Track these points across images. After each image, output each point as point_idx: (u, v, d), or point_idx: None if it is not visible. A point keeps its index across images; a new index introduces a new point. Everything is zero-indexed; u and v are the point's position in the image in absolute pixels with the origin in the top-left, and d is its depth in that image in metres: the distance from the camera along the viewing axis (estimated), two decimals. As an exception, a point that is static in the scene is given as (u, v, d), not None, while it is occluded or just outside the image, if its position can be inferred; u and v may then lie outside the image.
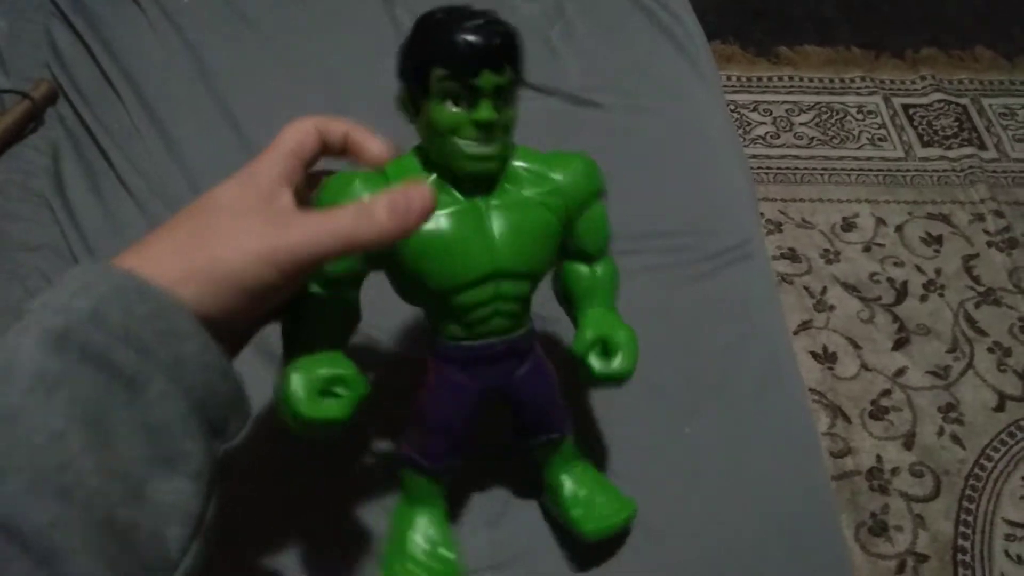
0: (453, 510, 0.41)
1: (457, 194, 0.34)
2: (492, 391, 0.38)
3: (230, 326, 0.28)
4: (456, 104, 0.32)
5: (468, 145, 0.33)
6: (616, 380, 0.38)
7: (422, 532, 0.38)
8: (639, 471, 0.44)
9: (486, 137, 0.33)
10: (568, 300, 0.40)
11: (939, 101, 1.28)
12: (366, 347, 0.48)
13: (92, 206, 0.54)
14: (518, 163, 0.36)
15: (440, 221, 0.34)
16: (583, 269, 0.39)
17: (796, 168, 1.18)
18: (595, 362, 0.38)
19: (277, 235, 0.28)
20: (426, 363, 0.38)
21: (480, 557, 0.41)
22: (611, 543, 0.41)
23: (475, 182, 0.34)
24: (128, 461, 0.24)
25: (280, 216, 0.29)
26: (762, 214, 1.11)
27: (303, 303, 0.34)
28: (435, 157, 0.34)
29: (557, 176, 0.36)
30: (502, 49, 0.32)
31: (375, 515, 0.42)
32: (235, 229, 0.28)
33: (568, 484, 0.40)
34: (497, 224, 0.34)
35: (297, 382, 0.31)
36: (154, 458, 0.25)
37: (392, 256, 0.34)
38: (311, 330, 0.33)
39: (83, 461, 0.23)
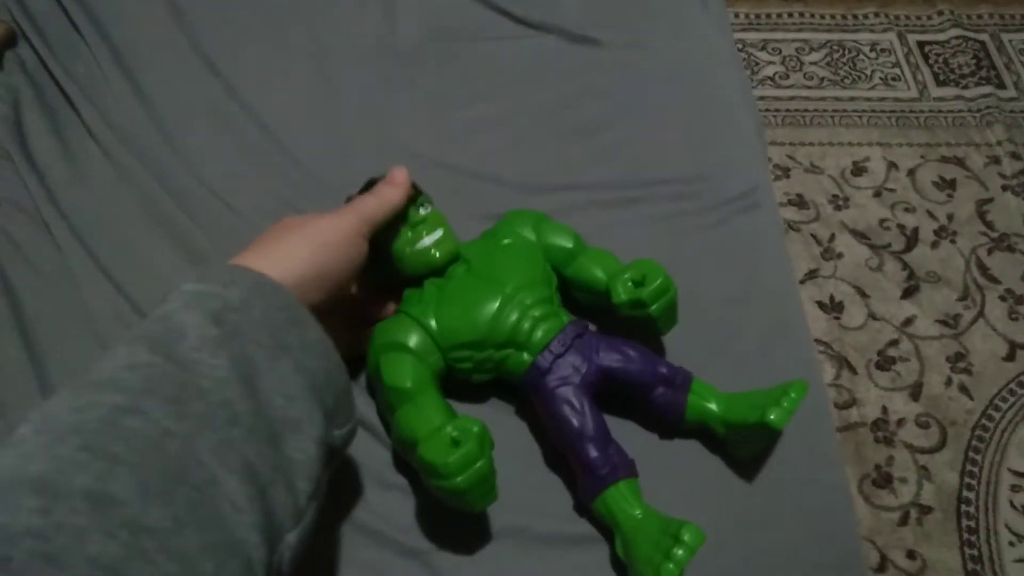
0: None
1: (452, 278, 0.42)
2: (595, 385, 0.40)
3: (325, 297, 0.36)
4: (396, 223, 0.42)
5: (426, 245, 0.43)
6: (665, 296, 0.41)
7: (658, 532, 0.36)
8: (640, 431, 0.42)
9: (428, 228, 0.43)
10: (590, 291, 0.44)
11: (956, 37, 1.22)
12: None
13: (56, 158, 0.51)
14: (474, 244, 0.45)
15: (453, 295, 0.41)
16: (581, 263, 0.44)
17: (805, 110, 1.14)
18: (640, 292, 0.41)
19: (342, 214, 0.39)
20: (532, 408, 0.41)
21: (472, 526, 0.39)
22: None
23: (453, 269, 0.43)
24: (271, 416, 0.29)
25: (338, 210, 0.40)
26: (769, 159, 1.07)
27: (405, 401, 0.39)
28: (418, 280, 0.43)
29: (502, 232, 0.45)
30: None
31: (368, 451, 0.42)
32: (316, 222, 0.38)
33: (726, 407, 0.41)
34: (488, 270, 0.42)
35: (427, 450, 0.35)
36: (287, 420, 0.29)
37: (441, 343, 0.40)
38: (416, 427, 0.37)
39: (241, 404, 0.28)
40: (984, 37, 1.22)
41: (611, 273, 0.43)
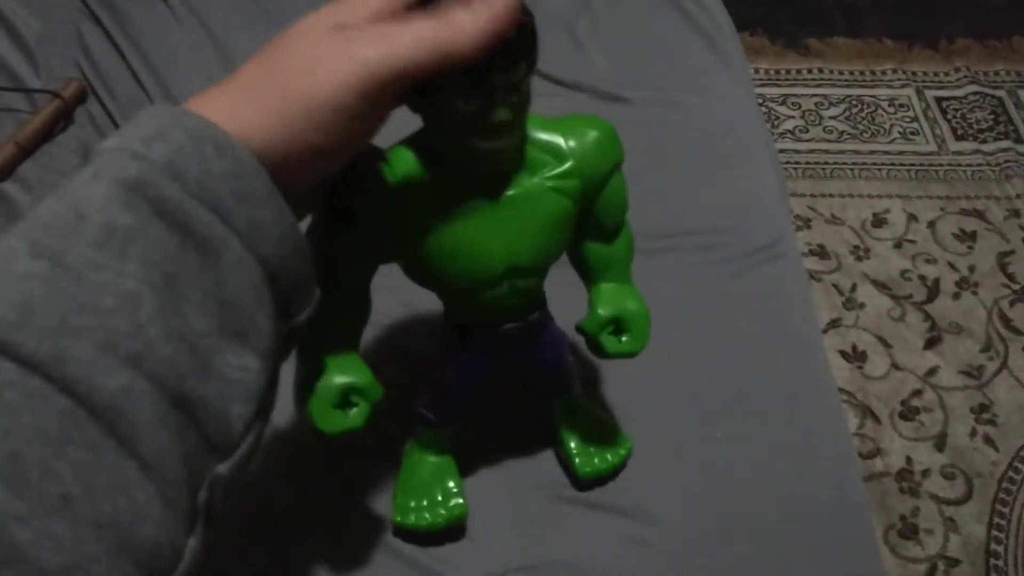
0: (478, 507, 0.41)
1: (470, 189, 0.32)
2: (505, 365, 0.39)
3: (300, 169, 0.26)
4: (468, 103, 0.29)
5: (483, 143, 0.30)
6: (627, 356, 0.38)
7: (432, 476, 0.40)
8: (669, 473, 0.44)
9: (501, 135, 0.31)
10: (581, 271, 0.39)
11: (974, 93, 1.25)
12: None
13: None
14: (531, 134, 0.33)
15: (455, 219, 0.32)
16: (597, 250, 0.38)
17: (825, 163, 1.16)
18: (607, 342, 0.37)
19: (351, 54, 0.25)
20: (441, 329, 0.39)
21: (507, 559, 0.40)
22: (641, 547, 0.41)
23: (492, 168, 0.33)
24: (198, 331, 0.23)
25: (355, 32, 0.25)
26: (790, 210, 1.09)
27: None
28: (445, 152, 0.32)
29: (572, 147, 0.34)
30: (514, 46, 0.28)
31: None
32: (310, 55, 0.25)
33: (571, 434, 0.43)
34: (512, 219, 0.33)
35: (312, 395, 0.31)
36: (224, 330, 0.23)
37: (406, 251, 0.33)
38: (325, 333, 0.33)
39: (154, 327, 0.21)
40: (1001, 93, 1.25)
41: (606, 295, 0.38)
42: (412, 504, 0.40)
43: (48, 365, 0.20)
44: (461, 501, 0.40)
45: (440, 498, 0.40)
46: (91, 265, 0.21)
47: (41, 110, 0.58)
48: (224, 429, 0.23)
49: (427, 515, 0.39)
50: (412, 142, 0.32)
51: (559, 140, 0.34)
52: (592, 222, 0.36)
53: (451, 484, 0.40)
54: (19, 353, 0.20)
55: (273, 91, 0.25)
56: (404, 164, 0.32)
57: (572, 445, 0.43)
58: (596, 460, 0.42)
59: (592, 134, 0.34)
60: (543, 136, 0.33)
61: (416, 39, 0.25)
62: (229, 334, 0.23)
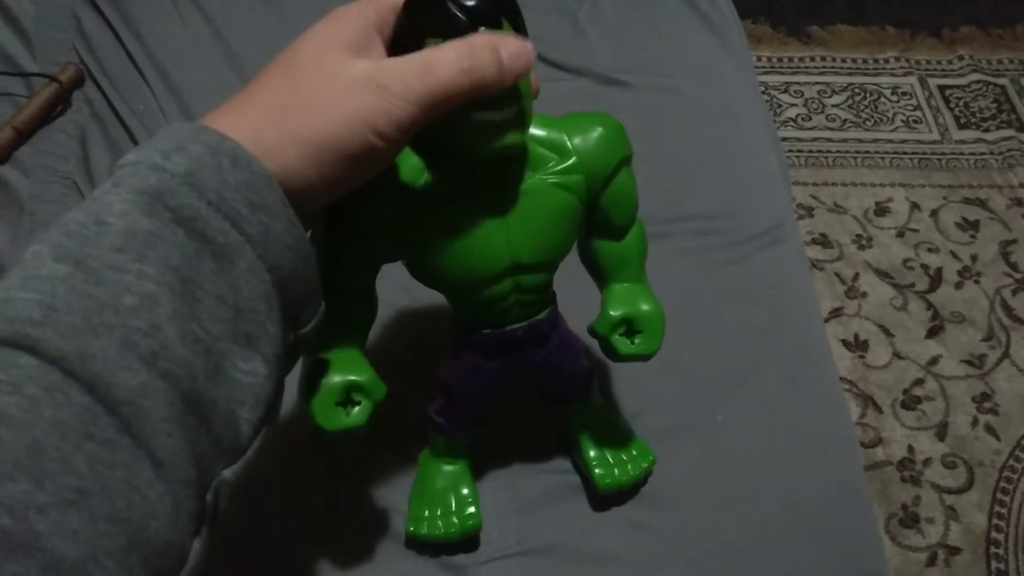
0: (479, 492, 0.41)
1: (471, 186, 0.32)
2: (515, 368, 0.38)
3: (314, 198, 0.27)
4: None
5: (480, 114, 0.29)
6: (641, 359, 0.37)
7: (447, 486, 0.40)
8: (669, 457, 0.44)
9: (498, 102, 0.29)
10: (593, 270, 0.38)
11: (977, 82, 1.24)
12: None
13: (119, 189, 0.54)
14: (534, 132, 0.33)
15: (457, 217, 0.32)
16: (609, 248, 0.37)
17: (828, 151, 1.16)
18: (620, 343, 0.36)
19: (377, 100, 0.26)
20: (451, 333, 0.38)
21: (508, 543, 0.40)
22: (642, 531, 0.41)
23: (494, 165, 0.32)
24: (212, 335, 0.23)
25: (376, 75, 0.26)
26: (793, 198, 1.09)
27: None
28: (449, 143, 0.31)
29: (576, 143, 0.33)
30: (494, 4, 0.29)
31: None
32: (330, 93, 0.26)
33: (591, 443, 0.42)
34: (516, 215, 0.32)
35: (315, 393, 0.31)
36: (236, 335, 0.24)
37: (408, 250, 0.33)
38: (328, 330, 0.32)
39: (170, 328, 0.22)
40: (1004, 82, 1.24)
41: (619, 295, 0.37)
42: (426, 513, 0.39)
43: (70, 361, 0.20)
44: (475, 511, 0.39)
45: (454, 508, 0.39)
46: (112, 267, 0.22)
47: (38, 94, 0.58)
48: (233, 432, 0.24)
49: (440, 524, 0.39)
50: (413, 144, 0.32)
51: (563, 137, 0.33)
52: (601, 219, 0.35)
53: (465, 493, 0.40)
54: (42, 349, 0.20)
55: (301, 127, 0.26)
56: (406, 166, 0.32)
57: (591, 455, 0.41)
58: (616, 471, 0.40)
59: (597, 130, 0.34)
60: (547, 133, 0.33)
61: (440, 82, 0.27)
62: (240, 339, 0.24)
